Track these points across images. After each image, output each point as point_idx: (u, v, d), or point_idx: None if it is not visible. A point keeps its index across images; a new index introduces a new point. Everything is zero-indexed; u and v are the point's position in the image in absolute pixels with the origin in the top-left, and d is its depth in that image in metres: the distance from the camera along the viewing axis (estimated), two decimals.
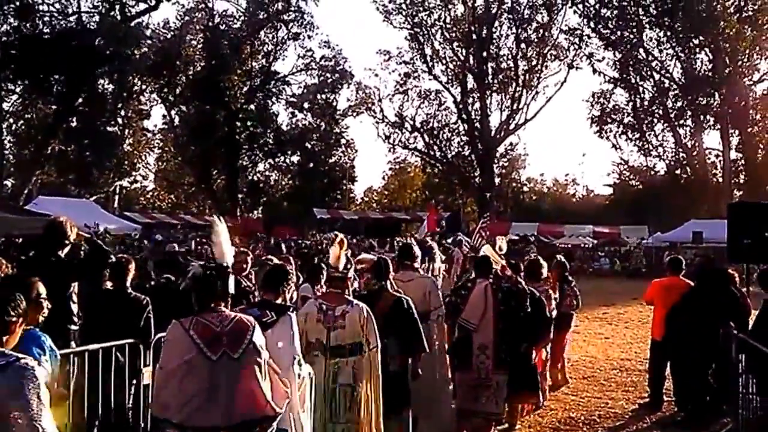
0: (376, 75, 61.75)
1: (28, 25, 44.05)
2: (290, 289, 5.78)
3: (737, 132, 49.45)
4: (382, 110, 62.67)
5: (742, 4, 47.91)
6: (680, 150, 52.72)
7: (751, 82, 49.67)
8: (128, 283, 7.24)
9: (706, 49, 49.70)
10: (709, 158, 52.49)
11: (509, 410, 8.74)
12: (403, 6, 58.45)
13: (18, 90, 46.43)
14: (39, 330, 4.56)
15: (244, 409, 4.31)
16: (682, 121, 52.05)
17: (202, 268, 4.56)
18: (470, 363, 7.98)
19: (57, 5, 46.86)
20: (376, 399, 6.26)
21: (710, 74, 48.97)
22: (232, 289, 4.62)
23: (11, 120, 47.49)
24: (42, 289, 4.36)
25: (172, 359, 4.37)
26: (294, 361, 5.11)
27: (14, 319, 3.53)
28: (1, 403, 3.17)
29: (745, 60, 49.16)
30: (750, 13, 47.58)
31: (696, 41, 49.55)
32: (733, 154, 50.43)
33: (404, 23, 59.22)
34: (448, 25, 59.04)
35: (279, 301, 5.54)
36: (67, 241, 6.48)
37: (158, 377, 4.55)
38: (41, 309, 4.40)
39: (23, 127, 47.11)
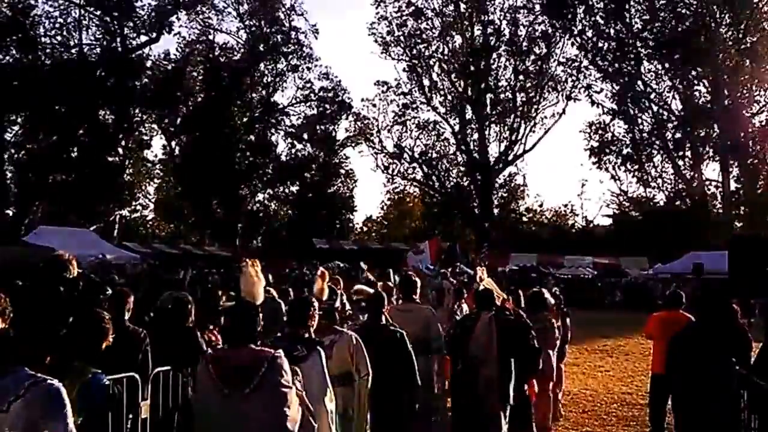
0: (374, 105, 61.68)
1: (30, 56, 44.36)
2: (315, 320, 5.80)
3: (737, 163, 49.45)
4: (380, 141, 62.99)
5: (741, 36, 48.09)
6: (680, 181, 52.74)
7: (751, 114, 49.72)
8: (126, 316, 7.21)
9: (705, 81, 49.89)
10: (708, 189, 52.47)
11: None
12: (401, 38, 58.92)
13: (20, 120, 46.63)
14: None
15: None
16: (681, 153, 52.08)
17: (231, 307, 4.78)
18: (476, 397, 7.98)
19: (59, 37, 47.40)
20: (363, 428, 6.28)
21: (709, 106, 49.09)
22: (259, 326, 4.78)
23: (13, 150, 47.60)
24: None
25: (195, 391, 4.75)
26: (325, 396, 5.17)
27: None
28: (33, 421, 3.37)
29: (744, 92, 49.30)
30: (749, 44, 47.75)
31: (694, 73, 49.76)
32: (733, 186, 50.42)
33: (402, 55, 59.71)
34: (446, 57, 59.47)
35: (306, 334, 5.59)
36: (67, 277, 6.44)
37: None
38: None
39: (25, 157, 47.18)
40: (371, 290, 8.66)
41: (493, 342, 8.03)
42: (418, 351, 7.66)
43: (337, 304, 6.75)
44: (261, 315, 4.84)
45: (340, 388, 6.03)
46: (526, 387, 8.76)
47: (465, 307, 11.59)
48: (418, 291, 9.01)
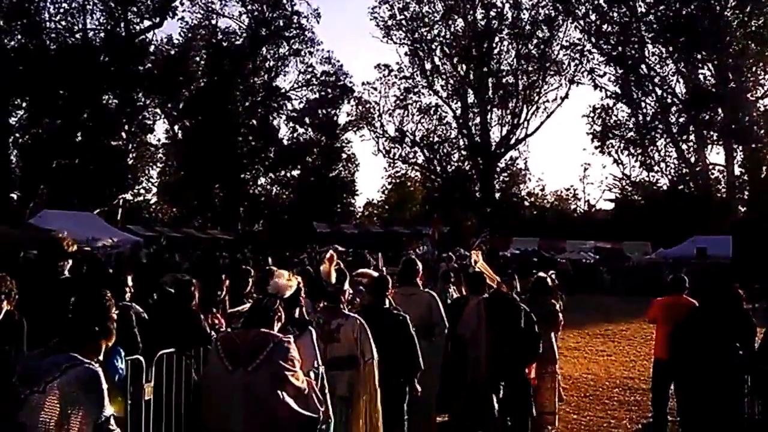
0: (375, 89, 61.69)
1: (34, 41, 44.35)
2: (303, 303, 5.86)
3: (741, 147, 49.32)
4: (382, 125, 62.99)
5: (746, 19, 47.85)
6: (683, 165, 52.62)
7: (755, 98, 49.56)
8: (126, 297, 7.23)
9: (710, 65, 49.71)
10: (712, 174, 52.43)
11: (512, 428, 8.76)
12: (403, 22, 58.75)
13: (24, 104, 46.65)
14: None
15: (261, 417, 4.50)
16: (685, 137, 51.96)
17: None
18: (464, 378, 8.06)
19: (63, 22, 47.33)
20: (374, 412, 6.31)
21: (713, 89, 48.92)
22: (282, 318, 5.03)
23: (17, 134, 47.63)
24: None
25: (206, 368, 4.95)
26: (313, 373, 5.24)
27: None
28: (69, 401, 3.54)
29: (749, 75, 49.12)
30: (753, 28, 47.54)
31: (699, 56, 49.54)
32: (737, 170, 50.30)
33: (404, 39, 59.52)
34: (448, 41, 59.23)
35: (297, 315, 5.66)
36: (65, 257, 6.42)
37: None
38: None
39: (29, 141, 47.19)
40: (374, 273, 8.70)
41: (482, 324, 8.10)
42: (421, 335, 7.74)
43: (345, 286, 6.76)
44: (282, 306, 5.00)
45: (347, 371, 6.08)
46: (526, 371, 8.88)
47: (452, 290, 11.57)
48: (420, 275, 9.04)
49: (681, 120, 51.58)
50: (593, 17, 52.74)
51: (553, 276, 11.93)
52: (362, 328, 6.32)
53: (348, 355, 6.13)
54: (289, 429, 4.55)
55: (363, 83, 62.48)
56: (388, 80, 61.68)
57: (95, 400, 3.64)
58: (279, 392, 4.49)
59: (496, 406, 8.14)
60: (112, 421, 3.75)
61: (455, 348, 8.22)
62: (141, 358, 6.33)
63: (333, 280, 6.57)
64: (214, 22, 58.29)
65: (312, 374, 5.29)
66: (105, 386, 3.69)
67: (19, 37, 44.98)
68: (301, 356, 4.85)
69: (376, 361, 6.32)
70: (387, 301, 7.48)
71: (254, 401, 4.45)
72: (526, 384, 8.80)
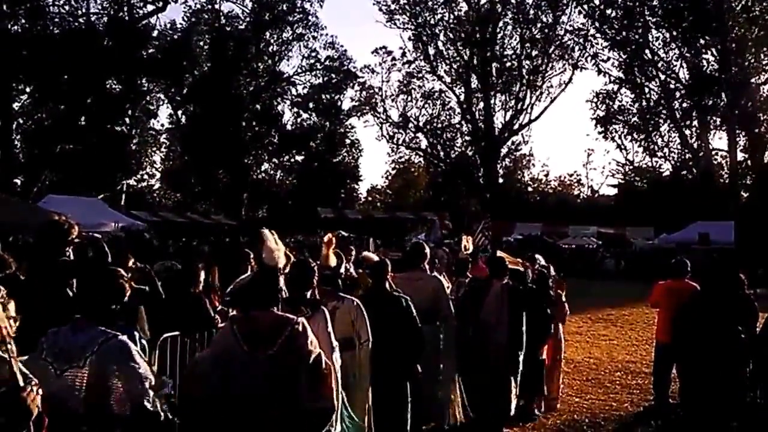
0: (373, 71, 61.64)
1: (38, 25, 44.32)
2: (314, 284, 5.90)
3: (744, 133, 49.19)
4: (385, 110, 62.87)
5: (750, 3, 47.60)
6: (686, 151, 52.53)
7: (759, 83, 49.37)
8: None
9: (713, 50, 49.46)
10: (715, 159, 52.30)
11: (522, 407, 8.97)
12: (407, 6, 58.52)
13: (28, 90, 46.67)
14: None
15: (282, 402, 4.47)
16: (688, 122, 51.82)
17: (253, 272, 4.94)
18: (487, 362, 8.22)
19: (67, 7, 47.22)
20: (365, 394, 6.38)
21: (717, 75, 48.75)
22: (284, 291, 4.94)
23: (21, 119, 47.67)
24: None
25: (215, 348, 4.78)
26: (332, 351, 5.29)
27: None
28: (108, 372, 3.73)
29: (753, 60, 48.87)
30: (757, 12, 47.29)
31: (702, 41, 49.34)
32: (740, 155, 50.16)
33: (408, 23, 59.32)
34: (451, 25, 58.99)
35: (309, 295, 5.70)
36: (68, 241, 6.43)
37: (200, 357, 5.10)
38: None
39: (32, 126, 47.23)
40: (375, 257, 8.78)
41: (505, 309, 8.30)
42: (427, 319, 7.80)
43: (342, 270, 6.81)
44: (282, 279, 4.95)
45: (343, 353, 6.13)
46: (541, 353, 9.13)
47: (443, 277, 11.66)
48: (427, 260, 9.10)
49: (684, 105, 51.42)
50: (597, 1, 52.49)
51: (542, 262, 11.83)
52: (359, 311, 6.38)
53: (343, 337, 6.16)
54: (310, 414, 4.57)
55: (363, 67, 62.14)
56: (389, 64, 61.63)
57: (132, 364, 3.81)
58: (300, 376, 4.52)
59: (515, 390, 8.30)
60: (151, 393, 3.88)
61: (477, 332, 8.36)
62: (144, 342, 6.39)
63: (332, 263, 6.62)
64: (217, 6, 58.21)
65: (334, 358, 5.35)
66: (137, 351, 3.92)
67: (23, 21, 44.96)
68: (315, 336, 4.91)
69: (370, 344, 6.39)
70: (387, 284, 7.55)
71: (275, 385, 4.45)
72: (541, 365, 9.12)
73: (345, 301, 6.45)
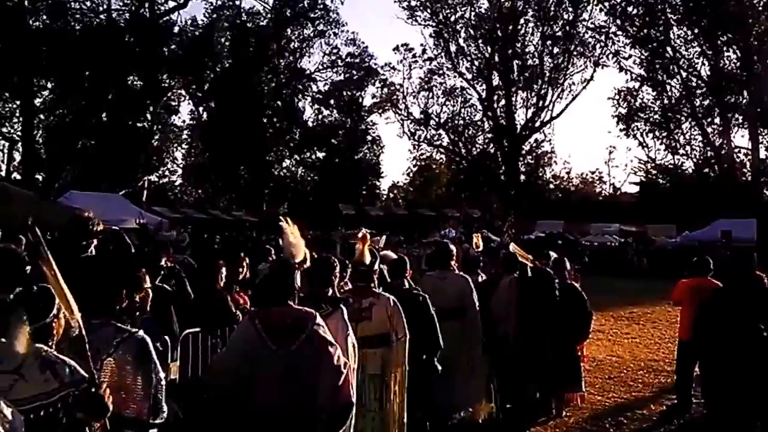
0: (394, 69, 61.66)
1: (60, 22, 44.61)
2: (336, 281, 5.91)
3: (766, 131, 48.81)
4: (407, 107, 62.84)
5: None
6: (708, 148, 52.19)
7: None
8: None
9: (734, 47, 49.14)
10: (737, 157, 51.89)
11: (554, 401, 9.19)
12: (428, 3, 58.44)
13: (50, 85, 46.99)
14: None
15: (303, 398, 4.49)
16: (710, 120, 51.49)
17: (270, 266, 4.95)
18: (496, 353, 8.49)
19: (88, 3, 47.58)
20: (401, 390, 6.38)
21: (738, 72, 48.40)
22: (297, 284, 4.90)
23: (42, 115, 48.01)
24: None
25: (237, 343, 4.78)
26: (347, 351, 5.29)
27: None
28: (128, 369, 3.65)
29: None
30: None
31: (724, 39, 49.00)
32: (762, 153, 49.80)
33: (428, 20, 59.26)
34: (472, 22, 58.92)
35: (329, 293, 5.71)
36: (91, 236, 6.44)
37: (220, 355, 5.10)
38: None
39: (54, 121, 47.54)
40: (393, 255, 8.84)
41: (512, 302, 8.54)
42: (454, 316, 7.98)
43: (376, 266, 6.82)
44: (298, 274, 4.92)
45: (379, 349, 6.17)
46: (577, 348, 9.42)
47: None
48: (454, 258, 9.20)
49: (706, 103, 51.09)
50: None
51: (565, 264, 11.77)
52: (396, 307, 6.40)
53: (379, 333, 6.21)
54: (331, 412, 4.56)
55: (384, 65, 62.11)
56: (411, 62, 61.55)
57: (150, 360, 3.78)
58: (322, 373, 4.53)
59: (532, 384, 8.41)
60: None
61: (485, 324, 8.46)
62: (166, 337, 6.40)
63: (367, 260, 6.61)
64: (238, 2, 58.39)
65: (350, 355, 5.35)
66: (154, 352, 3.84)
67: (44, 17, 45.28)
68: (332, 334, 4.92)
69: (407, 339, 6.41)
70: (406, 282, 7.61)
71: (298, 381, 4.45)
72: (577, 361, 9.32)
73: (381, 297, 6.47)
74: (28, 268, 5.55)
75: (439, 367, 7.28)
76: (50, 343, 3.34)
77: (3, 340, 3.08)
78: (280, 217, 5.47)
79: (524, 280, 8.82)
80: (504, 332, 8.43)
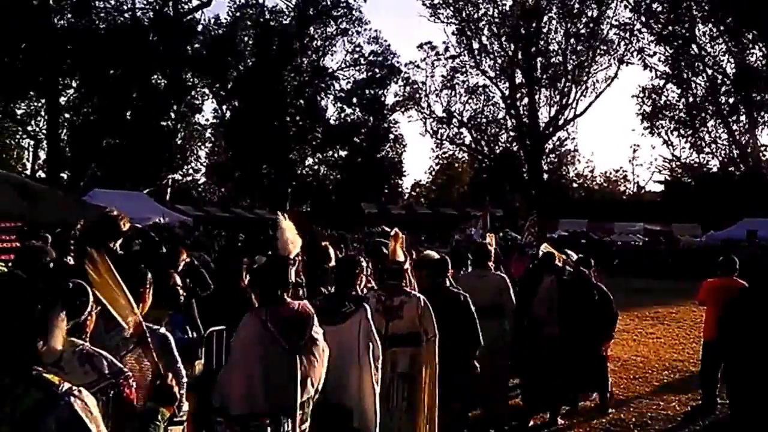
0: (418, 67, 61.63)
1: (84, 20, 44.91)
2: (362, 281, 5.95)
3: None
4: (429, 105, 62.80)
5: None
6: (734, 147, 51.84)
7: None
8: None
9: (760, 44, 48.80)
10: (763, 155, 51.56)
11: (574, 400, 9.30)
12: (450, 1, 58.36)
13: (74, 84, 47.34)
14: None
15: (304, 395, 4.58)
16: (735, 117, 51.15)
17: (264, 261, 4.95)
18: (542, 354, 8.60)
19: (112, 2, 47.85)
20: (432, 389, 6.39)
21: (764, 69, 48.05)
22: (291, 279, 4.97)
23: (67, 114, 48.36)
24: None
25: (246, 346, 4.73)
26: (369, 350, 5.30)
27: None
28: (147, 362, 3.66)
29: None
30: None
31: (749, 36, 48.67)
32: None
33: (452, 18, 59.20)
34: (496, 20, 58.78)
35: (354, 292, 5.73)
36: (119, 234, 6.49)
37: (227, 370, 4.96)
38: None
39: (79, 121, 47.88)
40: (436, 255, 8.87)
41: (555, 303, 8.68)
42: (493, 315, 8.11)
43: (407, 266, 6.85)
44: (292, 269, 4.98)
45: (409, 348, 6.21)
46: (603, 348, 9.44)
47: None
48: (492, 259, 9.31)
49: (731, 101, 50.74)
50: None
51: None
52: (426, 306, 6.40)
53: (410, 332, 6.24)
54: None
55: (407, 63, 62.03)
56: (434, 60, 61.50)
57: (172, 353, 3.89)
58: (317, 367, 4.58)
59: (566, 383, 8.49)
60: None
61: (531, 326, 8.69)
62: (194, 334, 6.44)
63: (399, 258, 6.65)
64: (261, 1, 58.61)
65: (371, 352, 5.39)
66: (176, 349, 3.95)
67: (69, 16, 45.62)
68: (355, 334, 4.93)
69: (437, 339, 6.40)
70: (447, 281, 7.64)
71: (304, 379, 4.50)
72: (603, 361, 9.39)
73: (412, 296, 6.47)
74: (51, 263, 5.61)
75: (478, 367, 7.31)
76: (84, 338, 3.42)
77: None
78: (278, 212, 5.49)
79: (563, 282, 8.99)
80: (550, 334, 8.55)
